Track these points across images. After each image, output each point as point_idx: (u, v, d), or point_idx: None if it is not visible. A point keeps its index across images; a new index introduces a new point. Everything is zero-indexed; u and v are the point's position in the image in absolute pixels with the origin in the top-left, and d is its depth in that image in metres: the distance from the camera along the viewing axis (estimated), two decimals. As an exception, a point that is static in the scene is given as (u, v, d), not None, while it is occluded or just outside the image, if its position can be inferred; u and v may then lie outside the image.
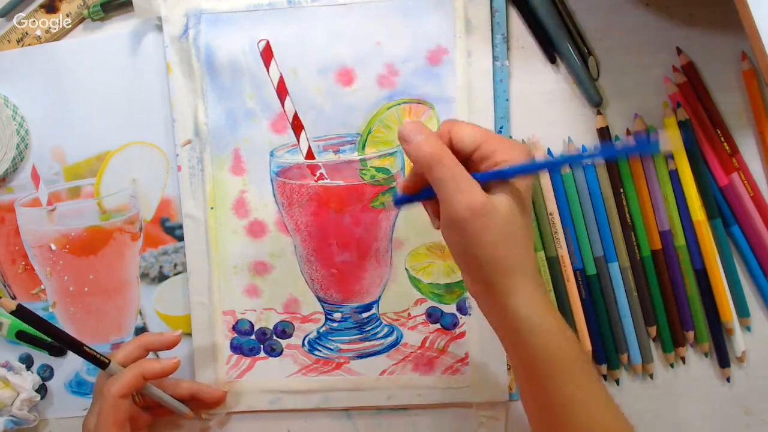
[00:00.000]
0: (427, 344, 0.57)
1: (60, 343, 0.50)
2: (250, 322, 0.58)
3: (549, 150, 0.55)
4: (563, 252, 0.55)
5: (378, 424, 0.58)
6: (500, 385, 0.56)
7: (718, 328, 0.55)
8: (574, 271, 0.55)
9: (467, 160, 0.41)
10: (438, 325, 0.57)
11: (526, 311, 0.40)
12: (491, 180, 0.40)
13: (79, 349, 0.50)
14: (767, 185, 0.54)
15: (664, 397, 0.56)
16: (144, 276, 0.60)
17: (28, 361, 0.61)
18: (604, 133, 0.54)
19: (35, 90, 0.59)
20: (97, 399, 0.52)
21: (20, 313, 0.47)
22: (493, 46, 0.55)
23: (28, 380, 0.59)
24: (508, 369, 0.56)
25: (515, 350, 0.41)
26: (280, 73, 0.56)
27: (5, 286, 0.61)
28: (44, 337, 0.59)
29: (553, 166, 0.38)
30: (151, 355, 0.55)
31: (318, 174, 0.56)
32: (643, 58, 0.54)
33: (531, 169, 0.40)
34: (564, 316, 0.55)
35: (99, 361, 0.51)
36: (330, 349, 0.58)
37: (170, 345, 0.55)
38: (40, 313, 0.60)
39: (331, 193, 0.55)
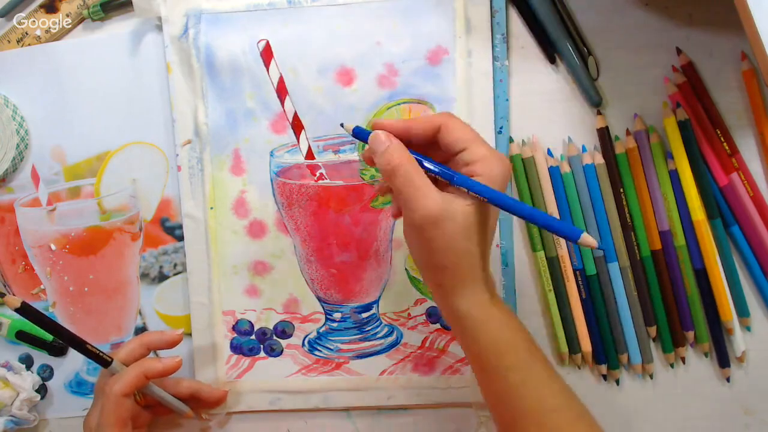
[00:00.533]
0: (426, 344, 0.57)
1: (63, 340, 0.50)
2: (250, 322, 0.58)
3: (549, 150, 0.55)
4: (563, 252, 0.55)
5: (378, 424, 0.58)
6: (500, 385, 0.56)
7: (717, 328, 0.55)
8: (574, 271, 0.55)
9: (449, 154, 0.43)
10: (438, 325, 0.57)
11: (468, 308, 0.43)
12: (457, 185, 0.41)
13: (82, 347, 0.50)
14: (767, 185, 0.54)
15: (664, 397, 0.56)
16: (144, 276, 0.60)
17: (28, 361, 0.61)
18: (603, 133, 0.54)
19: (35, 90, 0.59)
20: (98, 398, 0.52)
21: (24, 310, 0.47)
22: (493, 46, 0.55)
23: (28, 380, 0.59)
24: (508, 369, 0.56)
25: (465, 344, 0.44)
26: (280, 73, 0.56)
27: (5, 286, 0.61)
28: (44, 337, 0.60)
29: (506, 207, 0.41)
30: (151, 354, 0.55)
31: (318, 174, 0.56)
32: (643, 58, 0.54)
33: (488, 196, 0.41)
34: (564, 316, 0.55)
35: (101, 360, 0.51)
36: (330, 349, 0.58)
37: (172, 344, 0.55)
38: (40, 313, 0.60)
39: (331, 193, 0.55)
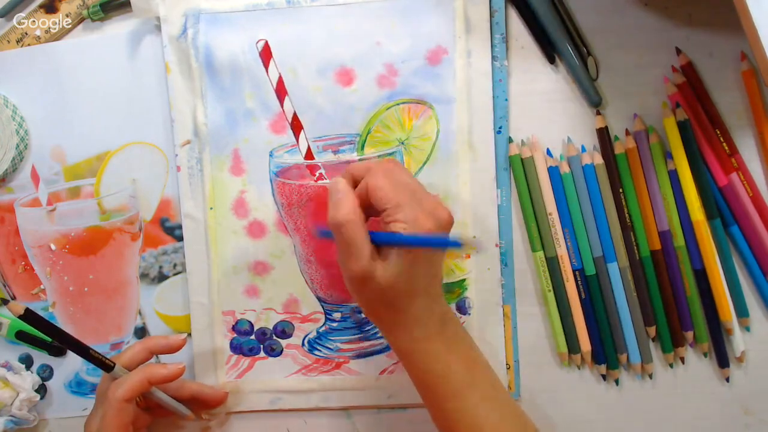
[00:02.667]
0: (426, 344, 0.57)
1: (66, 346, 0.50)
2: (250, 322, 0.58)
3: (548, 150, 0.55)
4: (563, 252, 0.55)
5: (378, 424, 0.58)
6: (500, 385, 0.56)
7: (717, 328, 0.55)
8: (574, 272, 0.55)
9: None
10: (437, 325, 0.57)
11: (397, 345, 0.47)
12: (382, 243, 0.44)
13: (86, 352, 0.50)
14: (766, 185, 0.54)
15: (663, 397, 0.56)
16: (144, 276, 0.60)
17: (27, 361, 0.61)
18: (603, 133, 0.54)
19: (35, 90, 0.59)
20: (100, 402, 0.52)
21: (28, 317, 0.47)
22: (493, 46, 0.55)
23: (27, 380, 0.59)
24: (508, 368, 0.56)
25: (410, 374, 0.48)
26: (279, 73, 0.56)
27: (5, 286, 0.61)
28: (44, 337, 0.60)
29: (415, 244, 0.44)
30: (154, 358, 0.55)
31: (317, 174, 0.56)
32: (642, 58, 0.54)
33: (399, 242, 0.44)
34: (563, 316, 0.55)
35: (104, 365, 0.51)
36: (330, 348, 0.58)
37: (175, 349, 0.54)
38: (40, 313, 0.60)
39: (331, 193, 0.55)
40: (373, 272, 0.43)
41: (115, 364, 0.51)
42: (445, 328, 0.47)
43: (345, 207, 0.44)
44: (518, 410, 0.48)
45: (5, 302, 0.47)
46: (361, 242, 0.44)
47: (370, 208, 0.46)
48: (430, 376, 0.46)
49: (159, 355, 0.58)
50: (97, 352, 0.50)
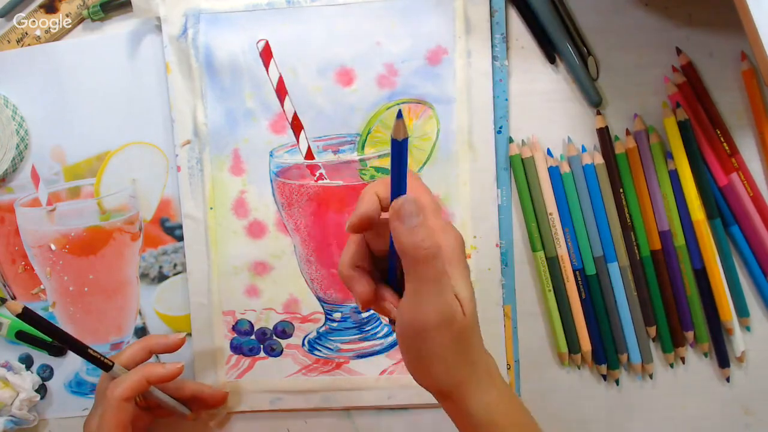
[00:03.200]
0: (426, 344, 0.57)
1: (65, 345, 0.50)
2: (250, 322, 0.58)
3: (549, 150, 0.55)
4: (563, 252, 0.55)
5: (378, 424, 0.58)
6: (500, 385, 0.56)
7: (717, 328, 0.55)
8: (574, 271, 0.55)
9: None
10: (438, 325, 0.57)
11: (487, 413, 0.38)
12: None
13: (84, 351, 0.50)
14: (767, 185, 0.54)
15: (663, 397, 0.56)
16: (144, 276, 0.60)
17: (27, 361, 0.61)
18: (603, 133, 0.54)
19: (35, 90, 0.59)
20: (99, 401, 0.52)
21: (26, 316, 0.47)
22: (493, 46, 0.55)
23: (27, 380, 0.59)
24: (508, 368, 0.56)
25: None
26: (280, 73, 0.56)
27: (5, 286, 0.61)
28: (44, 337, 0.60)
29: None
30: (153, 357, 0.55)
31: (317, 174, 0.56)
32: (642, 58, 0.54)
33: None
34: (564, 316, 0.55)
35: (103, 364, 0.51)
36: (330, 348, 0.58)
37: (174, 348, 0.54)
38: (40, 313, 0.60)
39: (331, 193, 0.55)
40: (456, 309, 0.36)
41: (113, 363, 0.51)
42: (492, 382, 0.39)
43: (431, 230, 0.35)
44: None
45: (3, 301, 0.47)
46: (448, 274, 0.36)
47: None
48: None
49: (158, 355, 0.58)
50: (96, 351, 0.50)
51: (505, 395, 0.39)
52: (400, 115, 0.31)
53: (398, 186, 0.34)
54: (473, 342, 0.38)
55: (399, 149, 0.32)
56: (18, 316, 0.46)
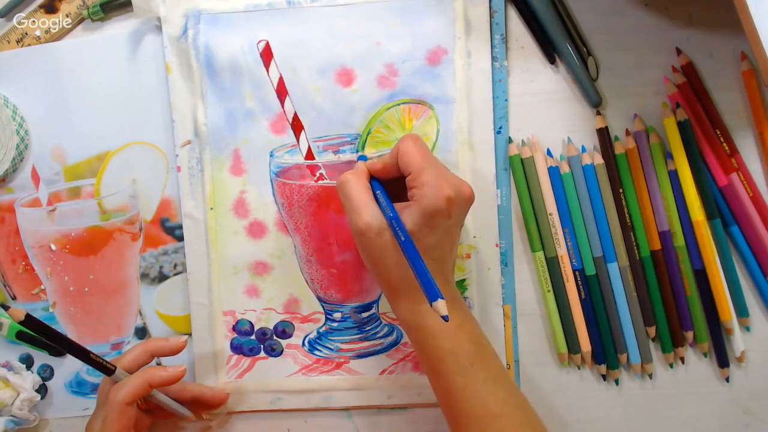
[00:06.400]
0: (426, 344, 0.57)
1: (67, 350, 0.50)
2: (250, 322, 0.58)
3: (548, 150, 0.55)
4: (563, 252, 0.55)
5: (378, 424, 0.58)
6: (500, 385, 0.56)
7: (717, 328, 0.55)
8: (574, 272, 0.55)
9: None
10: (438, 325, 0.57)
11: (404, 316, 0.47)
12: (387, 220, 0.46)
13: (86, 356, 0.50)
14: (766, 185, 0.54)
15: (663, 397, 0.56)
16: (144, 276, 0.60)
17: (28, 361, 0.61)
18: (603, 134, 0.54)
19: (35, 90, 0.59)
20: (102, 405, 0.52)
21: (28, 322, 0.47)
22: (492, 46, 0.55)
23: (28, 380, 0.59)
24: (508, 368, 0.56)
25: (414, 345, 0.48)
26: (280, 74, 0.56)
27: (5, 286, 0.61)
28: (44, 337, 0.60)
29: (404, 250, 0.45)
30: (155, 360, 0.55)
31: (318, 174, 0.56)
32: (642, 59, 0.54)
33: (399, 240, 0.45)
34: (564, 317, 0.55)
35: (105, 369, 0.50)
36: (330, 348, 0.58)
37: (175, 351, 0.54)
38: (40, 313, 0.60)
39: (331, 193, 0.55)
40: (379, 223, 0.45)
41: (116, 367, 0.51)
42: (455, 305, 0.47)
43: (352, 172, 0.48)
44: (522, 395, 0.48)
45: (6, 308, 0.47)
46: (366, 198, 0.46)
47: (394, 181, 0.48)
48: (438, 351, 0.46)
49: (161, 358, 0.58)
50: (98, 356, 0.50)
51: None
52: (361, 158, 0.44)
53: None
54: (386, 254, 0.46)
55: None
56: (21, 323, 0.46)
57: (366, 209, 0.46)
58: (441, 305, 0.39)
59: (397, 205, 0.47)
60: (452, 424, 0.47)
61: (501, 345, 0.56)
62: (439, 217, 0.45)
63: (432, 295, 0.40)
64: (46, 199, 0.59)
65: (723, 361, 0.55)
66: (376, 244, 0.46)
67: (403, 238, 0.44)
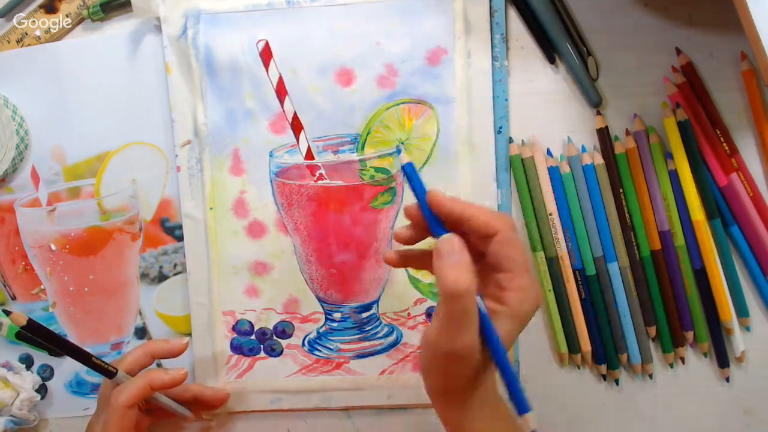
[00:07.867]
0: (426, 344, 0.57)
1: (69, 354, 0.49)
2: (250, 322, 0.58)
3: (548, 150, 0.55)
4: (563, 252, 0.55)
5: (378, 424, 0.58)
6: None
7: (717, 328, 0.55)
8: (574, 272, 0.55)
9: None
10: (437, 325, 0.57)
11: (462, 420, 0.41)
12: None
13: (88, 359, 0.49)
14: (766, 185, 0.54)
15: (663, 397, 0.56)
16: (144, 276, 0.60)
17: (28, 361, 0.61)
18: (603, 134, 0.54)
19: (35, 90, 0.59)
20: (103, 407, 0.52)
21: (30, 328, 0.46)
22: (493, 46, 0.55)
23: (28, 380, 0.59)
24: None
25: None
26: (280, 74, 0.56)
27: (5, 286, 0.61)
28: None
29: (500, 367, 0.39)
30: (155, 362, 0.55)
31: (317, 174, 0.56)
32: (642, 59, 0.54)
33: (496, 360, 0.39)
34: (564, 317, 0.55)
35: (107, 372, 0.50)
36: (330, 348, 0.58)
37: (176, 353, 0.54)
38: (40, 313, 0.60)
39: (331, 193, 0.55)
40: (475, 350, 0.38)
41: (117, 370, 0.50)
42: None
43: (468, 270, 0.37)
44: None
45: (7, 313, 0.46)
46: (475, 314, 0.38)
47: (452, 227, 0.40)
48: None
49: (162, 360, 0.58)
50: (99, 359, 0.50)
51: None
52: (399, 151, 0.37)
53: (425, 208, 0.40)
54: (482, 382, 0.40)
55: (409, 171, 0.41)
56: (23, 328, 0.46)
57: (475, 327, 0.38)
58: (531, 417, 0.37)
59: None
60: None
61: (501, 345, 0.56)
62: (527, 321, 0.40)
63: (522, 407, 0.38)
64: (46, 199, 0.59)
65: (723, 361, 0.55)
66: (464, 365, 0.39)
67: (499, 354, 0.39)
